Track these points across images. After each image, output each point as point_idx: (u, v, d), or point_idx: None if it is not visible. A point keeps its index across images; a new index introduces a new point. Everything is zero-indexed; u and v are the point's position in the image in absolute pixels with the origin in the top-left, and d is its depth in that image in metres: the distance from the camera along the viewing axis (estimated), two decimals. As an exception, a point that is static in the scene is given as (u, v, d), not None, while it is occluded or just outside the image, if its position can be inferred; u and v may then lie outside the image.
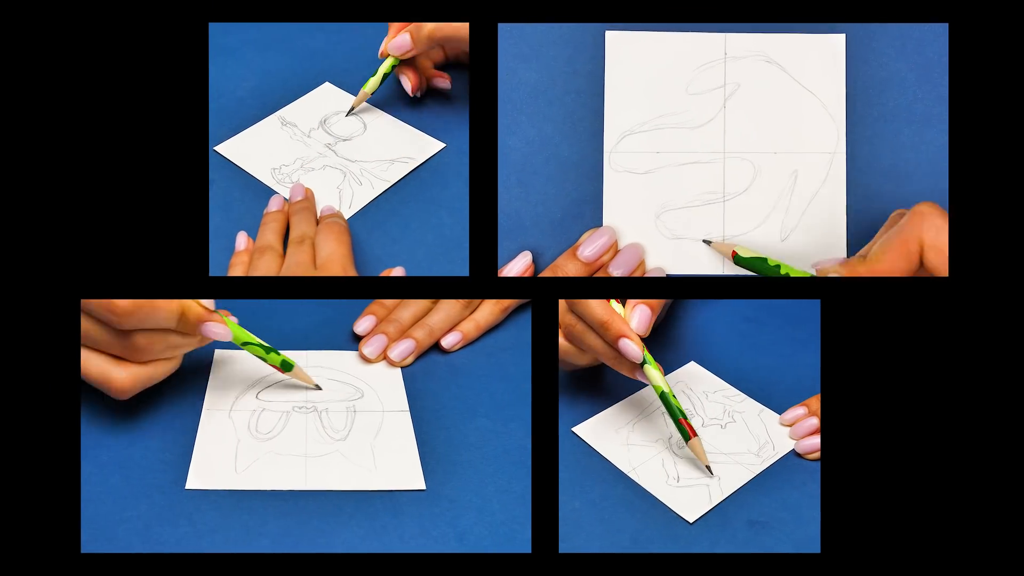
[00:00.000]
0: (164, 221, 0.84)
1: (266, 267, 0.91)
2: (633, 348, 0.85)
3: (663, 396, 0.86)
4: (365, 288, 0.90)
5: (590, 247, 0.86)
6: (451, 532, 0.78)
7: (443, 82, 1.11)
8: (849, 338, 0.82)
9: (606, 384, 0.97)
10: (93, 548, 0.76)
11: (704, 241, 0.87)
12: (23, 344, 0.80)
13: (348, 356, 1.00)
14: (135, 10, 0.84)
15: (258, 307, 1.06)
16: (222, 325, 0.86)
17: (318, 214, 0.97)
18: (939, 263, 0.74)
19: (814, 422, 0.90)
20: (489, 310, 1.03)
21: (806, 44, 0.88)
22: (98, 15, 0.83)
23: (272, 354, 0.91)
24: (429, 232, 0.96)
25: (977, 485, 0.80)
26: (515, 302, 1.05)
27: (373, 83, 1.06)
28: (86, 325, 0.82)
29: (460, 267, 0.93)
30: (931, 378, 0.81)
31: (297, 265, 0.90)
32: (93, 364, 0.83)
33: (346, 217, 0.97)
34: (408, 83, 1.08)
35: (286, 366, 0.91)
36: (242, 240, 0.94)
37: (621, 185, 0.87)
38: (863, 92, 0.88)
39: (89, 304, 0.81)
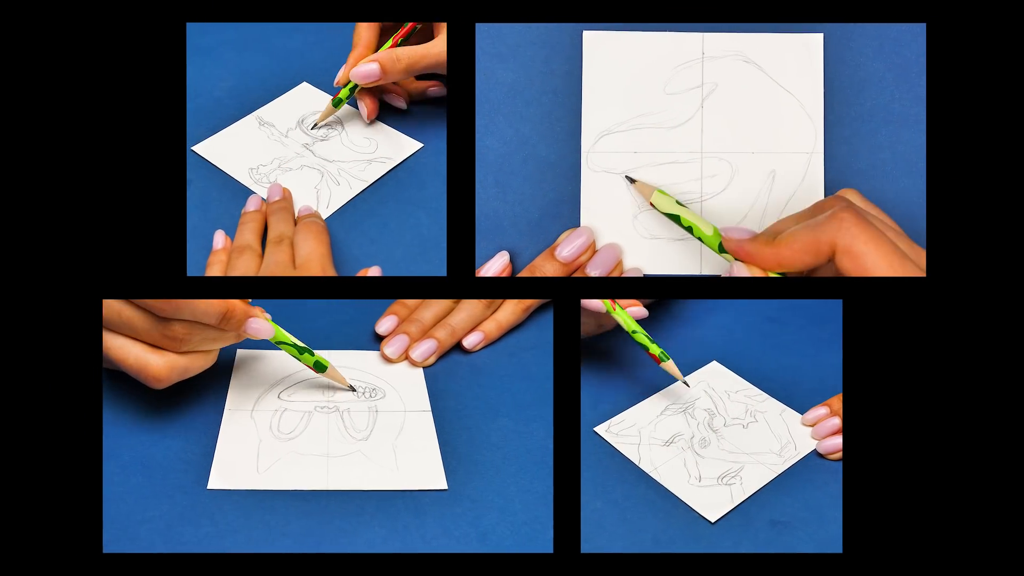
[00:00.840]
0: (141, 221, 0.83)
1: (245, 267, 0.91)
2: (594, 303, 0.91)
3: (633, 331, 0.92)
4: (345, 288, 0.90)
5: (568, 247, 0.86)
6: (473, 532, 0.78)
7: (437, 90, 1.10)
8: (871, 338, 0.81)
9: (628, 384, 0.97)
10: (115, 548, 0.76)
11: (627, 178, 0.87)
12: (44, 345, 0.80)
13: (370, 356, 1.00)
14: (113, 10, 0.83)
15: (279, 307, 1.05)
16: (265, 322, 0.86)
17: (296, 214, 0.97)
18: (852, 267, 0.74)
19: (836, 422, 0.90)
20: (511, 310, 1.03)
21: (784, 44, 0.88)
22: (76, 15, 0.83)
23: (306, 355, 0.91)
24: (407, 232, 0.96)
25: (1000, 485, 0.80)
26: (537, 302, 1.05)
27: (325, 113, 1.06)
28: (128, 312, 0.82)
29: (438, 267, 0.92)
30: (953, 378, 0.80)
31: (276, 265, 0.90)
32: (131, 352, 0.83)
33: (324, 217, 0.97)
34: (365, 109, 1.06)
35: (319, 367, 0.92)
36: (220, 239, 0.94)
37: (599, 185, 0.87)
38: (841, 92, 0.88)
39: None
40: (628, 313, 0.92)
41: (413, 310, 1.03)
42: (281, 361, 0.97)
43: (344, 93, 1.04)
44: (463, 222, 0.88)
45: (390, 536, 0.78)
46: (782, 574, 0.78)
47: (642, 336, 0.91)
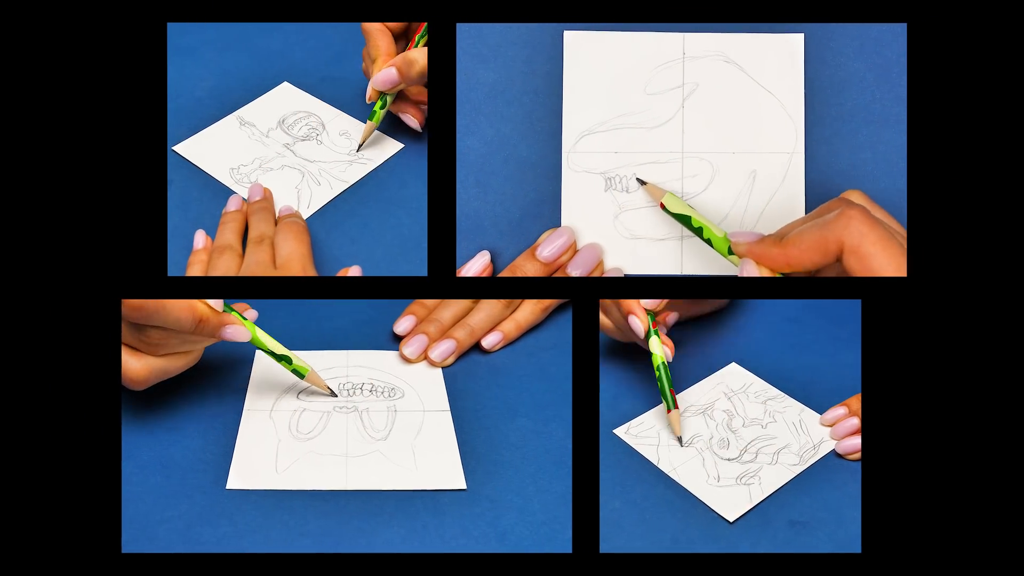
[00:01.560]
0: (122, 221, 0.83)
1: (225, 267, 0.90)
2: (637, 324, 0.89)
3: (658, 368, 0.90)
4: (326, 288, 0.90)
5: (549, 247, 0.86)
6: (492, 532, 0.78)
7: None
8: (890, 338, 0.81)
9: (647, 385, 0.97)
10: (134, 548, 0.76)
11: (639, 180, 0.87)
12: (63, 345, 0.80)
13: (389, 356, 1.01)
14: (93, 10, 0.83)
15: (297, 307, 1.07)
16: (240, 326, 0.87)
17: (277, 214, 0.97)
18: (859, 267, 0.74)
19: (855, 422, 0.90)
20: (530, 310, 1.04)
21: (764, 44, 0.88)
22: (56, 15, 0.83)
23: (283, 362, 0.91)
24: (387, 232, 0.96)
25: (1020, 485, 0.80)
26: (556, 302, 1.05)
27: (366, 133, 1.04)
28: None
29: (418, 267, 0.92)
30: (972, 378, 0.80)
31: (257, 264, 0.90)
32: None
33: (305, 217, 0.96)
34: (414, 121, 1.04)
35: (298, 374, 0.92)
36: (200, 239, 0.94)
37: (580, 185, 0.87)
38: (821, 92, 0.88)
39: None
40: (663, 348, 0.91)
41: (432, 310, 1.03)
42: None
43: (379, 106, 1.02)
44: (444, 222, 0.88)
45: (409, 536, 0.78)
46: (801, 574, 0.78)
47: (663, 379, 0.90)
